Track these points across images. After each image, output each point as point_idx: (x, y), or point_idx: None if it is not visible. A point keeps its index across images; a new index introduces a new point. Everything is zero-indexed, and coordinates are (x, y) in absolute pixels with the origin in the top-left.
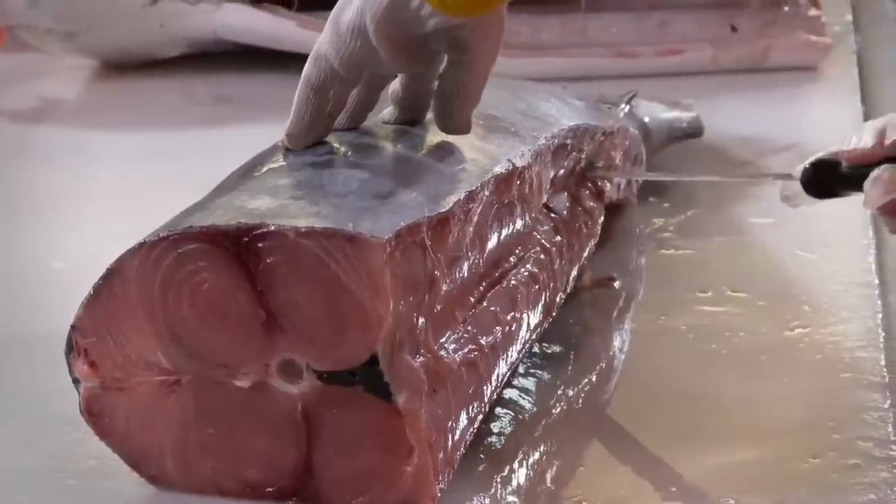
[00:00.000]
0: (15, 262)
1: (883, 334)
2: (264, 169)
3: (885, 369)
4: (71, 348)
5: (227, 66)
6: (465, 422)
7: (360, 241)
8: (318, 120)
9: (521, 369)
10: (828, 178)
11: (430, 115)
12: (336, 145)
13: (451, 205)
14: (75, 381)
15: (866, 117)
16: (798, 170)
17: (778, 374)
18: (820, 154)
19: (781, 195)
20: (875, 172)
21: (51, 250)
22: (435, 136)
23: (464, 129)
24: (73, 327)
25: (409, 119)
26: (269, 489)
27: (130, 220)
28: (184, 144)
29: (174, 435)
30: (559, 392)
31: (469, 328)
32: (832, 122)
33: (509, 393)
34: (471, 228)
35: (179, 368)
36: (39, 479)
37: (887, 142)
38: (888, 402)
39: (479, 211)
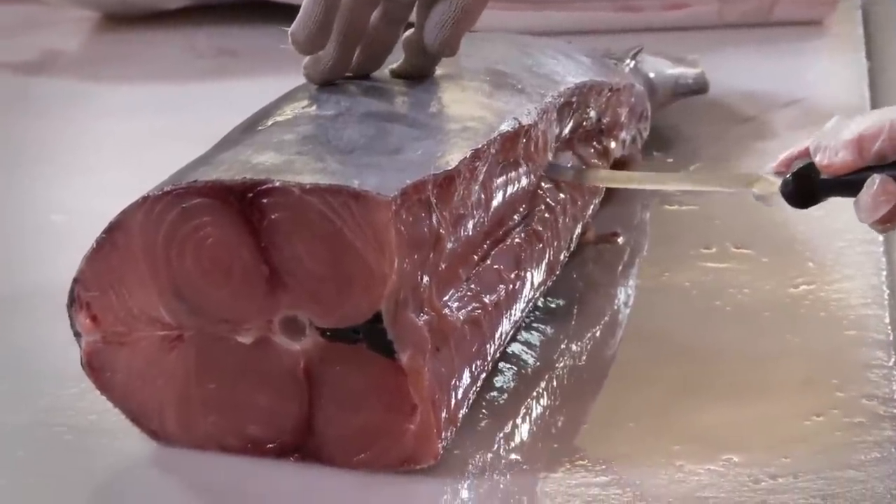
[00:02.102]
0: (13, 214)
1: (888, 292)
2: (269, 123)
3: (889, 327)
4: (73, 301)
5: (230, 19)
6: (468, 380)
7: (366, 198)
8: (327, 25)
9: (524, 324)
10: (808, 186)
11: (439, 71)
12: (343, 99)
13: (457, 163)
14: (77, 335)
15: (871, 73)
16: (768, 169)
17: (781, 331)
18: (798, 163)
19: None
20: (870, 186)
21: (50, 203)
22: (443, 92)
23: (451, 49)
24: (75, 280)
25: (419, 66)
26: (271, 445)
27: (131, 174)
28: (186, 97)
29: (176, 390)
30: (562, 347)
31: (473, 286)
32: (837, 77)
33: (512, 347)
34: (476, 187)
35: (182, 323)
36: (37, 435)
37: (867, 154)
38: (893, 359)
39: (484, 169)
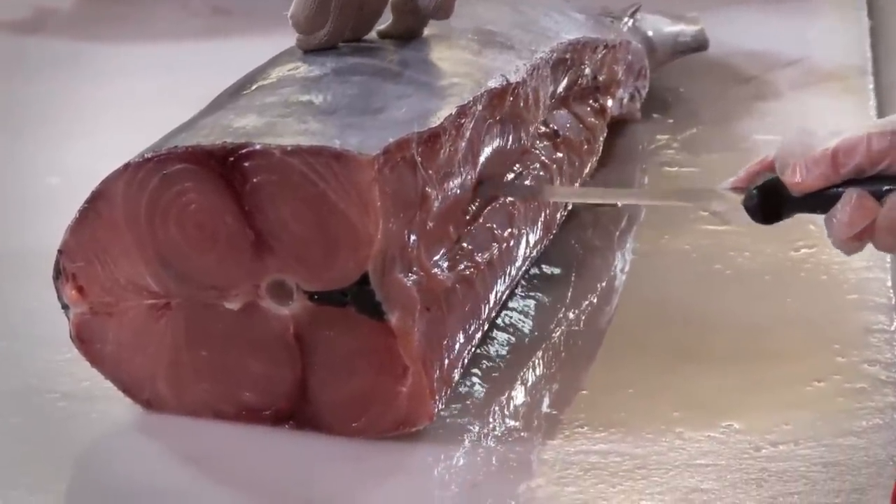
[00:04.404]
0: (9, 177)
1: (889, 255)
2: (254, 87)
3: (891, 290)
4: (59, 273)
5: None
6: (462, 340)
7: (348, 158)
8: (325, 4)
9: (520, 291)
10: (773, 201)
11: (427, 31)
12: (328, 60)
13: (441, 120)
14: (64, 307)
15: (873, 32)
16: (725, 186)
17: (782, 295)
18: (765, 178)
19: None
20: (846, 201)
21: (45, 166)
22: (430, 51)
23: (446, 12)
24: (60, 252)
25: (408, 27)
26: (266, 413)
27: (126, 135)
28: (180, 58)
29: (166, 358)
30: (559, 314)
31: (465, 245)
32: (839, 36)
33: (509, 316)
34: (463, 144)
35: (169, 291)
36: (31, 401)
37: (843, 170)
38: (894, 323)
39: (471, 126)
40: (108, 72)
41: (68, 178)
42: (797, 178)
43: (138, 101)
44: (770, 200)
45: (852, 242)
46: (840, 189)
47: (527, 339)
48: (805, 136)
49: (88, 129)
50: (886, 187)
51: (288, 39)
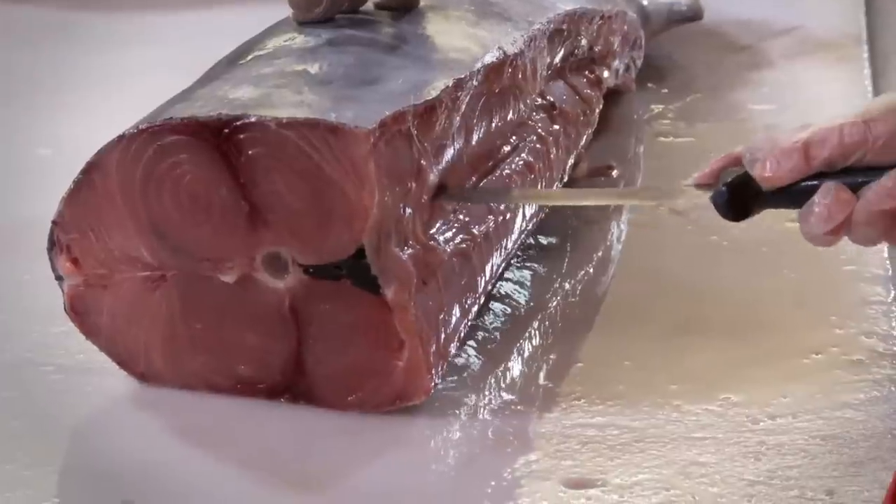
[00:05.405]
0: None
1: None
2: (249, 57)
3: (888, 262)
4: (53, 244)
5: None
6: (458, 314)
7: (344, 131)
8: None
9: (516, 262)
10: (742, 197)
11: (424, 1)
12: (324, 31)
13: (438, 92)
14: (59, 279)
15: (867, 0)
16: (689, 182)
17: (779, 266)
18: (733, 174)
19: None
20: (823, 195)
21: (36, 137)
22: (426, 23)
23: None
24: (54, 223)
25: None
26: (261, 386)
27: (118, 106)
28: (175, 26)
29: (161, 331)
30: (556, 285)
31: (461, 218)
32: (833, 3)
33: (505, 287)
34: (459, 117)
35: (163, 263)
36: (25, 374)
37: (814, 162)
38: (892, 295)
39: (467, 99)
40: (100, 42)
41: (59, 149)
42: (767, 172)
43: (130, 72)
44: (739, 196)
45: (828, 237)
46: (811, 183)
47: (523, 310)
48: (773, 133)
49: (80, 100)
50: (861, 179)
51: (283, 7)
